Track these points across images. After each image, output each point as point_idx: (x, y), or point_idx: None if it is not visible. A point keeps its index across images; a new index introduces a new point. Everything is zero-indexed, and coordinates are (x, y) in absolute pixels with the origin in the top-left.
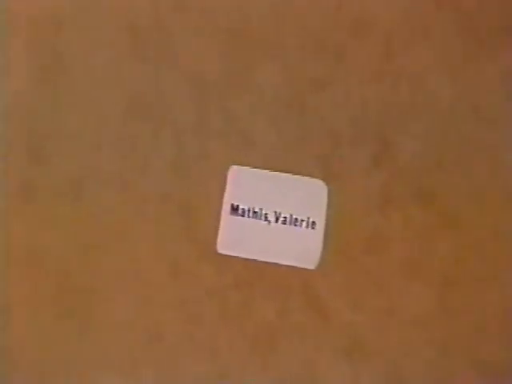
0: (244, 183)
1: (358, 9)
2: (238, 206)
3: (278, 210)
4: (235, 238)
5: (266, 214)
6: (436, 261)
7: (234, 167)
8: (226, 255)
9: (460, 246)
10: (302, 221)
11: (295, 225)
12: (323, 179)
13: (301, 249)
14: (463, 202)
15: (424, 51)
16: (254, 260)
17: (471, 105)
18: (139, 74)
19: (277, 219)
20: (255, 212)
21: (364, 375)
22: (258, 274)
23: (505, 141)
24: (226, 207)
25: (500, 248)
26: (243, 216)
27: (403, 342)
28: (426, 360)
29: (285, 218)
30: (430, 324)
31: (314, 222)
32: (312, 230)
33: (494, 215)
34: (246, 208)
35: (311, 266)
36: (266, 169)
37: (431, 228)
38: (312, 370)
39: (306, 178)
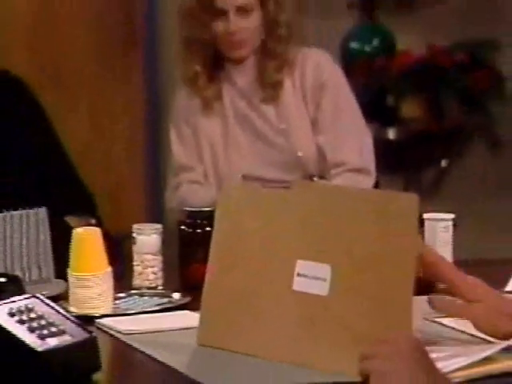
0: (303, 267)
1: None
2: (299, 272)
3: (313, 273)
4: (300, 283)
5: (308, 275)
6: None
7: (300, 261)
8: (298, 290)
9: None
10: (320, 278)
11: (317, 279)
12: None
13: (320, 287)
14: None
15: None
16: (311, 292)
17: None
18: None
19: (312, 277)
20: (304, 275)
21: None
22: (308, 298)
23: None
24: (296, 274)
25: None
26: (302, 276)
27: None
28: None
29: (314, 275)
30: None
31: (325, 279)
32: (324, 282)
33: None
34: (302, 272)
35: (325, 294)
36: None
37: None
38: None
39: (321, 263)
